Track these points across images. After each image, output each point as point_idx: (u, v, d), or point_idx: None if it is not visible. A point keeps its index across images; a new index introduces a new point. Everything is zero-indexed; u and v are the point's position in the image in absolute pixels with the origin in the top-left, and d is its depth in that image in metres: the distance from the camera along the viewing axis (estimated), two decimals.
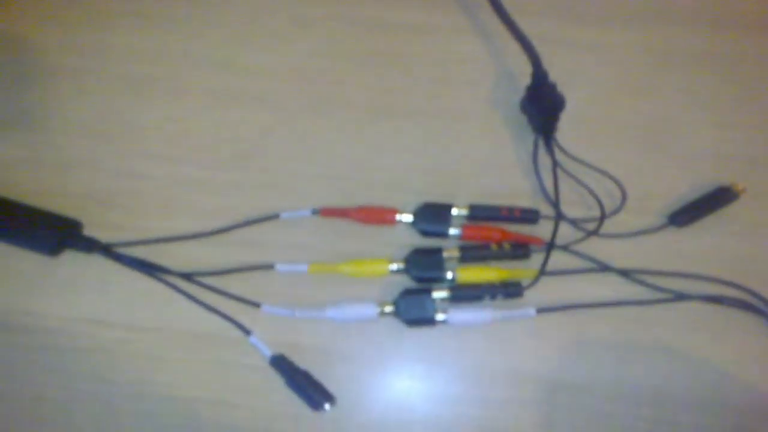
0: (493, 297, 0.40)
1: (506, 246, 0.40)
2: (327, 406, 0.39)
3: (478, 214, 0.41)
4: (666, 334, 0.41)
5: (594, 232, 0.41)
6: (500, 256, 0.40)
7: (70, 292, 0.41)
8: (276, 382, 0.39)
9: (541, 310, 0.40)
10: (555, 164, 0.42)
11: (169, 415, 0.39)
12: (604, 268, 0.41)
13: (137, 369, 0.40)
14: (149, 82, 0.45)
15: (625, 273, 0.41)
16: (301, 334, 0.40)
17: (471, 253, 0.40)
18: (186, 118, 0.44)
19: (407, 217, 0.41)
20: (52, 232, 0.40)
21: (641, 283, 0.41)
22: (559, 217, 0.41)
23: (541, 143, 0.42)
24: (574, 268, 0.41)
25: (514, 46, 0.43)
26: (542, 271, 0.40)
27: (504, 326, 0.40)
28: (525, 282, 0.40)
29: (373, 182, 0.43)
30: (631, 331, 0.41)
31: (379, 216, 0.41)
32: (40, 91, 0.45)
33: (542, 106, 0.43)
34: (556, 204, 0.41)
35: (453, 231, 0.41)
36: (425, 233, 0.41)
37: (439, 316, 0.39)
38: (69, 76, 0.45)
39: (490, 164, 0.43)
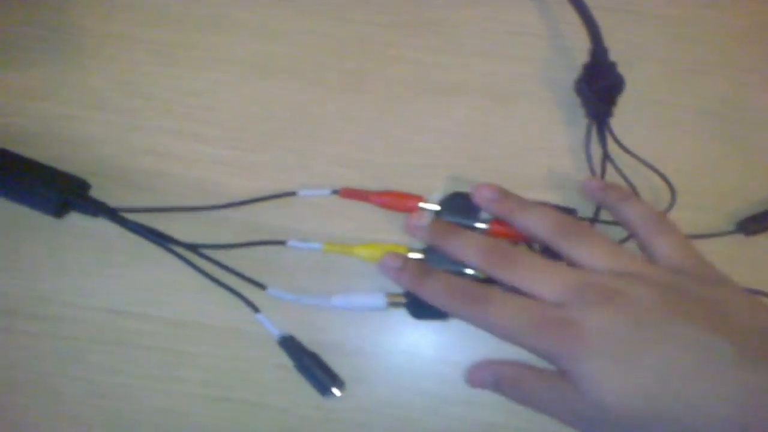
0: None
1: (536, 247, 0.37)
2: (336, 391, 0.37)
3: None
4: None
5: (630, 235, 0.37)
6: None
7: (79, 275, 0.39)
8: (296, 381, 0.37)
9: None
10: (605, 157, 0.38)
11: (188, 414, 0.38)
12: None
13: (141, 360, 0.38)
14: (173, 50, 0.41)
15: None
16: (310, 317, 0.38)
17: None
18: (213, 91, 0.41)
19: (433, 207, 0.37)
20: (58, 191, 0.38)
21: None
22: (596, 218, 0.38)
23: (594, 130, 0.38)
24: None
25: (572, 17, 0.38)
26: None
27: None
28: None
29: (409, 166, 0.40)
30: None
31: (402, 202, 0.38)
32: (56, 57, 0.41)
33: (599, 87, 0.38)
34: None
35: (480, 225, 0.37)
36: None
37: None
38: (87, 42, 0.41)
39: (536, 150, 0.40)
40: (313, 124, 0.40)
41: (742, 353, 0.29)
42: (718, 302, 0.31)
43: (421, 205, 0.37)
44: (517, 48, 0.41)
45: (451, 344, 0.38)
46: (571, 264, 0.33)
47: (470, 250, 0.34)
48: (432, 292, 0.34)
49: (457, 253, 0.35)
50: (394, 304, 0.37)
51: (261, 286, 0.38)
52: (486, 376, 0.35)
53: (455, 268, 0.36)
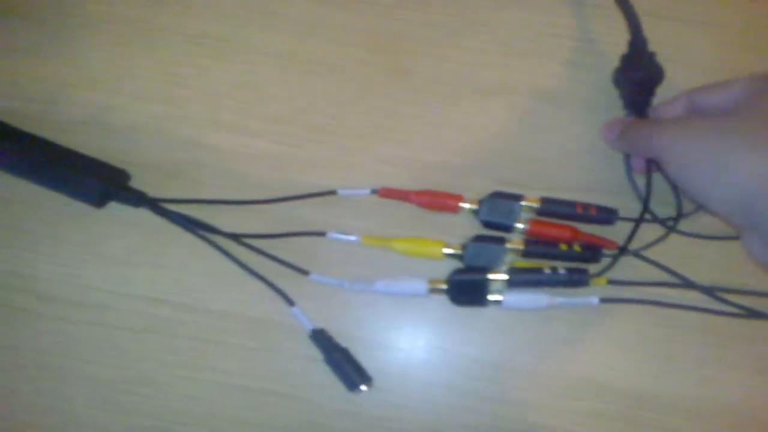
0: (554, 284, 0.37)
1: (576, 247, 0.37)
2: (363, 387, 0.37)
3: (550, 209, 0.38)
4: (744, 352, 0.38)
5: (671, 230, 0.37)
6: (567, 257, 0.37)
7: (118, 264, 0.39)
8: (328, 374, 0.38)
9: (604, 300, 0.37)
10: None
11: (219, 402, 0.39)
12: (687, 283, 0.38)
13: (180, 350, 0.39)
14: (222, 44, 0.41)
15: (708, 291, 0.38)
16: (344, 312, 0.39)
17: (535, 249, 0.38)
18: (260, 85, 0.41)
19: (472, 206, 0.38)
20: (99, 181, 0.38)
21: (723, 300, 0.38)
22: (641, 219, 0.37)
23: None
24: (647, 280, 0.38)
25: (616, 22, 0.38)
26: (602, 273, 0.37)
27: (580, 331, 0.38)
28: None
29: (451, 166, 0.40)
30: (709, 345, 0.38)
31: (441, 202, 0.38)
32: (107, 49, 0.41)
33: (637, 77, 0.38)
34: (645, 199, 0.37)
35: (519, 225, 0.37)
36: (489, 225, 0.38)
37: (493, 297, 0.37)
38: (138, 33, 0.41)
39: (577, 152, 0.40)
40: (357, 120, 0.41)
41: None
42: None
43: (461, 204, 0.38)
44: (560, 50, 0.41)
45: (483, 341, 0.39)
46: None
47: None
48: None
49: None
50: (435, 291, 0.37)
51: (304, 272, 0.38)
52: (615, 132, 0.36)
53: (493, 266, 0.37)
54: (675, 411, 0.38)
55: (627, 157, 0.38)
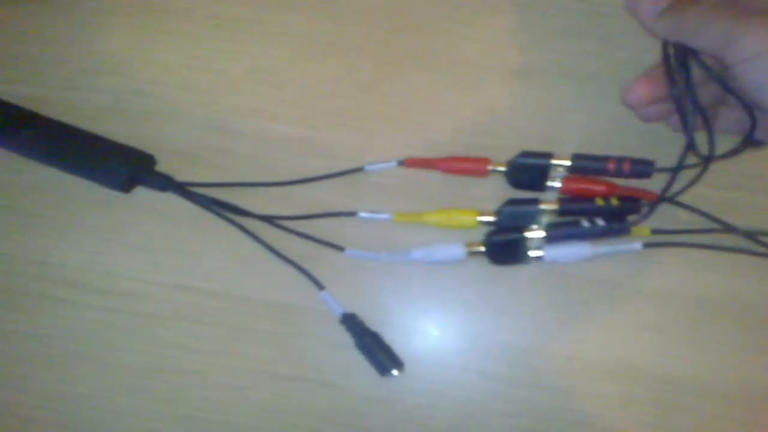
0: (594, 235, 0.36)
1: (613, 201, 0.36)
2: (395, 371, 0.36)
3: (582, 165, 0.37)
4: None
5: (708, 160, 0.34)
6: (605, 212, 0.36)
7: (145, 250, 0.39)
8: (357, 360, 0.37)
9: (648, 245, 0.36)
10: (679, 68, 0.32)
11: (249, 389, 0.38)
12: (728, 228, 0.37)
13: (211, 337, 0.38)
14: (241, 26, 0.41)
15: (750, 235, 0.36)
16: (373, 297, 0.38)
17: (571, 207, 0.36)
18: (280, 68, 0.41)
19: (500, 168, 0.37)
20: (126, 165, 0.38)
21: (765, 244, 0.36)
22: (679, 167, 0.34)
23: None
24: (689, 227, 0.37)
25: None
26: (635, 222, 0.36)
27: (614, 315, 0.37)
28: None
29: (479, 148, 0.39)
30: (747, 329, 0.37)
31: (468, 166, 0.37)
32: (125, 33, 0.42)
33: None
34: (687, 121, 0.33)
35: (551, 184, 0.37)
36: (519, 186, 0.37)
37: (533, 253, 0.36)
38: (155, 17, 0.42)
39: (608, 133, 0.39)
40: (380, 103, 0.40)
41: None
42: None
43: (489, 167, 0.37)
44: (588, 27, 0.40)
45: (516, 326, 0.37)
46: None
47: None
48: None
49: None
50: (473, 253, 0.36)
51: (339, 248, 0.38)
52: None
53: (527, 224, 0.36)
54: (712, 396, 0.36)
55: (665, 54, 0.33)
